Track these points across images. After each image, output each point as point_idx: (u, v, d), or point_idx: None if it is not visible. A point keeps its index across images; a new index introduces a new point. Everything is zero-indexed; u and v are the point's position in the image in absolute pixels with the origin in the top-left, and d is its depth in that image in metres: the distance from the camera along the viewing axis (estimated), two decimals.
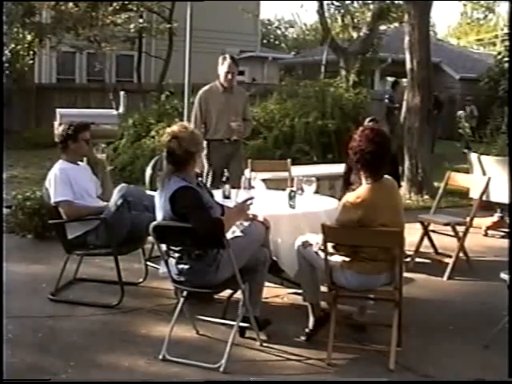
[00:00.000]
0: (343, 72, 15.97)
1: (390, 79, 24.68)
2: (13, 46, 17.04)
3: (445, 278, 5.67)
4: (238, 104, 6.57)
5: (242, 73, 25.65)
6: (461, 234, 5.90)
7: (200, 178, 4.25)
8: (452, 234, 6.03)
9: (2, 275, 4.78)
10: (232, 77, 6.41)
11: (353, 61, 16.10)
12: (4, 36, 16.50)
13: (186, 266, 3.89)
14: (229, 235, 3.92)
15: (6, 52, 16.82)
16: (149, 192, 5.23)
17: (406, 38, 9.89)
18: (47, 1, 16.34)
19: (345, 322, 4.30)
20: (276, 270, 4.60)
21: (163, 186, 3.94)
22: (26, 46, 17.33)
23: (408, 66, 9.92)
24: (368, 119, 6.42)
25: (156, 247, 4.12)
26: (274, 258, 4.50)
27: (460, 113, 16.60)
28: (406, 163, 9.89)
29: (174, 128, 4.02)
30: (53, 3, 16.31)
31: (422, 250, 6.15)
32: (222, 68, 6.42)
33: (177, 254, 3.92)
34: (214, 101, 6.48)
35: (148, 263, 5.32)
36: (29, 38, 17.17)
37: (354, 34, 19.51)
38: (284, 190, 5.10)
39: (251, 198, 4.18)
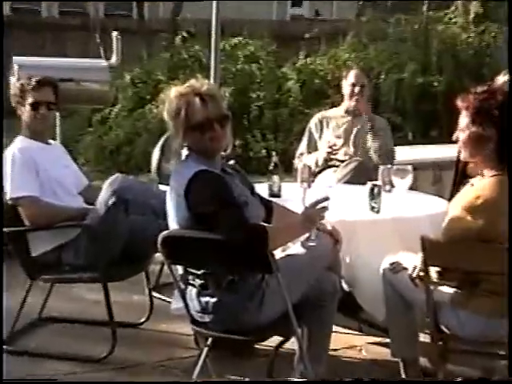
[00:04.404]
0: None
1: None
2: None
3: None
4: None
5: (298, 3, 25.64)
6: None
7: (232, 162, 4.25)
8: None
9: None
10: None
11: None
12: None
13: (213, 300, 3.91)
14: (278, 252, 3.95)
15: None
16: (157, 186, 5.30)
17: None
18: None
19: None
20: (350, 307, 4.63)
21: (175, 175, 3.96)
22: None
23: None
24: (503, 73, 6.36)
25: (167, 270, 4.16)
26: (348, 288, 4.53)
27: None
28: None
29: (192, 84, 3.98)
30: None
31: None
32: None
33: (199, 281, 3.95)
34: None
35: (154, 294, 5.41)
36: None
37: None
38: (364, 184, 5.11)
39: (326, 199, 3.97)
